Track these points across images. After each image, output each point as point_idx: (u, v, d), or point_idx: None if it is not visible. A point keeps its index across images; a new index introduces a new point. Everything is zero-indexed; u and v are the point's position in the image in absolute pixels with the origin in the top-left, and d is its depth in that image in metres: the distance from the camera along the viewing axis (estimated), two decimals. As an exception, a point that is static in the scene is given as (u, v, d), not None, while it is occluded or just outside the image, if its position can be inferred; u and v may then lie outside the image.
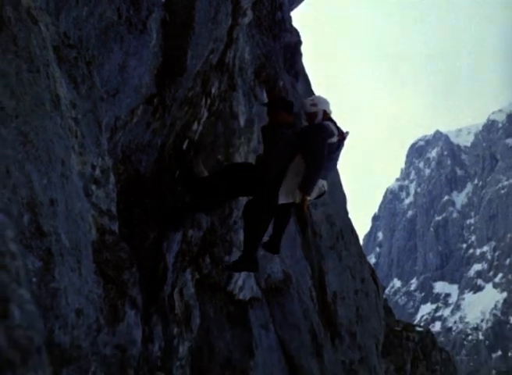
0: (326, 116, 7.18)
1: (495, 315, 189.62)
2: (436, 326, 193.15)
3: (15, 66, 2.75)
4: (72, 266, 2.82)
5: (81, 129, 3.69)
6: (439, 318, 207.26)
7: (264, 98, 12.14)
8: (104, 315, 3.27)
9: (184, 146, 7.41)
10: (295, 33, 15.69)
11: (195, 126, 7.62)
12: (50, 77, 3.18)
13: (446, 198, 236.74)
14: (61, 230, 2.76)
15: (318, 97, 7.53)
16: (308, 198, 6.81)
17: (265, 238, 7.69)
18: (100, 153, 3.95)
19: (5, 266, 0.99)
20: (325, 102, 7.30)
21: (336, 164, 7.48)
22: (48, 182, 2.77)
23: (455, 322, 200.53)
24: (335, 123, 7.16)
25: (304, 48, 16.52)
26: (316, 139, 6.72)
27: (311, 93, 17.19)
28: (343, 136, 7.13)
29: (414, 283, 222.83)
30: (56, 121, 3.12)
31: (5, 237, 1.11)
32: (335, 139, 6.93)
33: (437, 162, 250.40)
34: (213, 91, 8.09)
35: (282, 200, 6.82)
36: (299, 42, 16.09)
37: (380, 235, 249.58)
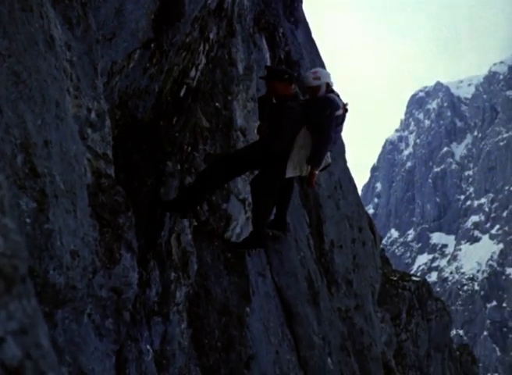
0: (329, 88, 7.13)
1: (491, 266, 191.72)
2: (432, 277, 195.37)
3: (7, 4, 2.70)
4: (67, 208, 2.81)
5: (76, 71, 3.64)
6: (436, 268, 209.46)
7: (264, 45, 12.01)
8: (99, 257, 3.28)
9: (182, 93, 7.34)
10: (295, -20, 15.43)
11: (193, 73, 7.53)
12: (44, 17, 3.12)
13: (445, 149, 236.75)
14: (55, 172, 2.75)
15: (320, 70, 7.50)
16: (316, 172, 6.84)
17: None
18: (95, 96, 3.91)
19: (-10, 196, 0.98)
20: (327, 75, 7.26)
21: (340, 136, 7.47)
22: (42, 123, 2.74)
23: (451, 272, 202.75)
24: (338, 95, 7.14)
25: (305, -5, 16.25)
26: (324, 113, 6.69)
27: (311, 42, 17.00)
28: (345, 108, 7.10)
29: (411, 233, 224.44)
30: (50, 62, 3.08)
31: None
32: (340, 111, 6.95)
33: (437, 114, 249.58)
34: (211, 36, 7.98)
35: (289, 174, 6.78)
36: (299, -11, 15.85)
37: (378, 186, 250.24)
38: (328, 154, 7.13)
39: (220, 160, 7.09)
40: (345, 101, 7.22)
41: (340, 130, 7.22)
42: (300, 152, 6.72)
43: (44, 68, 2.93)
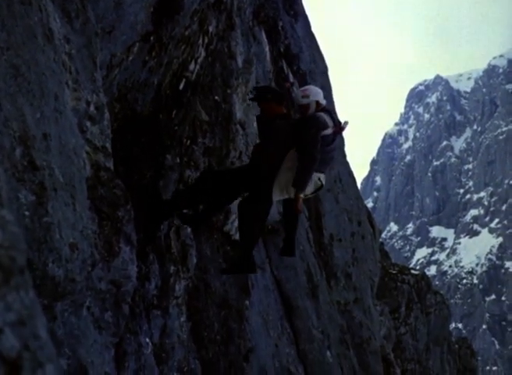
0: (319, 106, 6.85)
1: (490, 259, 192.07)
2: (432, 270, 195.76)
3: (6, -3, 2.69)
4: (65, 201, 2.81)
5: (75, 64, 3.63)
6: (435, 262, 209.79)
7: (263, 38, 11.99)
8: (98, 250, 3.28)
9: (181, 86, 7.34)
10: (295, -27, 15.40)
11: (192, 66, 7.53)
12: (42, 10, 3.12)
13: (445, 143, 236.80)
14: (54, 165, 2.75)
15: (310, 88, 7.17)
16: (301, 196, 6.53)
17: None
18: (94, 89, 3.90)
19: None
20: (317, 93, 6.93)
21: (332, 157, 7.05)
22: (40, 116, 2.74)
23: (450, 266, 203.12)
24: (330, 114, 6.86)
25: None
26: (308, 132, 6.42)
27: (311, 35, 16.96)
28: (339, 127, 6.82)
29: (410, 227, 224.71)
30: (49, 55, 3.07)
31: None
32: (329, 131, 6.65)
33: (436, 107, 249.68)
34: (210, 29, 7.98)
35: (276, 197, 6.57)
36: (299, -18, 15.81)
37: (378, 179, 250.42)
38: (322, 176, 6.84)
39: (208, 176, 6.87)
40: (343, 120, 6.93)
41: (331, 150, 6.88)
42: (287, 174, 6.46)
43: (43, 61, 2.93)
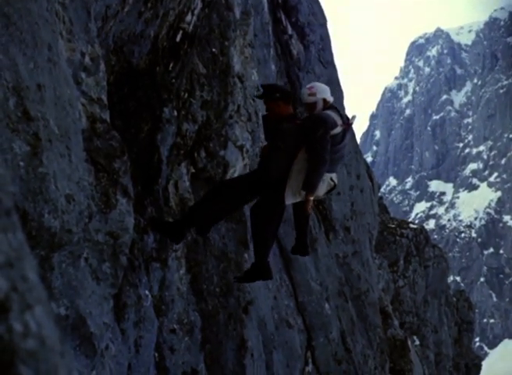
0: (327, 104, 6.64)
1: (488, 213, 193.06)
2: (430, 224, 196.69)
3: None
4: (61, 152, 2.79)
5: (69, 14, 3.57)
6: (434, 216, 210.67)
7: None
8: (95, 202, 3.27)
9: (178, 38, 7.25)
10: None
11: (189, 17, 7.42)
12: (34, -42, 3.06)
13: (445, 97, 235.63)
14: (49, 116, 2.72)
15: (316, 85, 6.92)
16: (311, 198, 6.39)
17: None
18: (89, 40, 3.85)
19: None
20: (324, 90, 6.71)
21: (343, 155, 6.90)
22: (34, 66, 2.70)
23: (449, 220, 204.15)
24: (338, 111, 6.66)
25: None
26: (316, 134, 6.21)
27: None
28: (347, 124, 6.61)
29: (409, 181, 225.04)
30: (41, 4, 3.02)
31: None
32: (338, 130, 6.44)
33: (437, 61, 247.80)
34: (207, -20, 7.85)
35: (289, 201, 6.41)
36: None
37: (377, 134, 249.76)
38: (334, 175, 6.70)
39: (219, 187, 6.75)
40: (350, 115, 6.75)
41: (341, 148, 6.68)
42: (298, 178, 6.30)
43: (35, 10, 2.87)
